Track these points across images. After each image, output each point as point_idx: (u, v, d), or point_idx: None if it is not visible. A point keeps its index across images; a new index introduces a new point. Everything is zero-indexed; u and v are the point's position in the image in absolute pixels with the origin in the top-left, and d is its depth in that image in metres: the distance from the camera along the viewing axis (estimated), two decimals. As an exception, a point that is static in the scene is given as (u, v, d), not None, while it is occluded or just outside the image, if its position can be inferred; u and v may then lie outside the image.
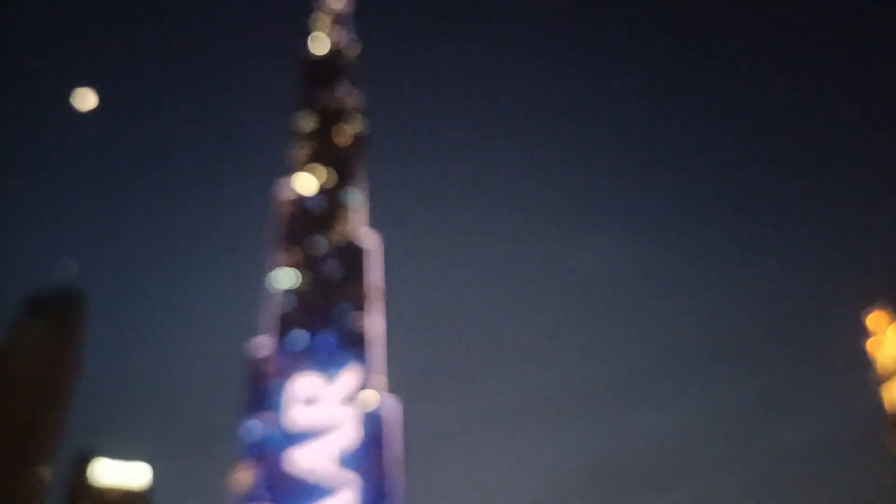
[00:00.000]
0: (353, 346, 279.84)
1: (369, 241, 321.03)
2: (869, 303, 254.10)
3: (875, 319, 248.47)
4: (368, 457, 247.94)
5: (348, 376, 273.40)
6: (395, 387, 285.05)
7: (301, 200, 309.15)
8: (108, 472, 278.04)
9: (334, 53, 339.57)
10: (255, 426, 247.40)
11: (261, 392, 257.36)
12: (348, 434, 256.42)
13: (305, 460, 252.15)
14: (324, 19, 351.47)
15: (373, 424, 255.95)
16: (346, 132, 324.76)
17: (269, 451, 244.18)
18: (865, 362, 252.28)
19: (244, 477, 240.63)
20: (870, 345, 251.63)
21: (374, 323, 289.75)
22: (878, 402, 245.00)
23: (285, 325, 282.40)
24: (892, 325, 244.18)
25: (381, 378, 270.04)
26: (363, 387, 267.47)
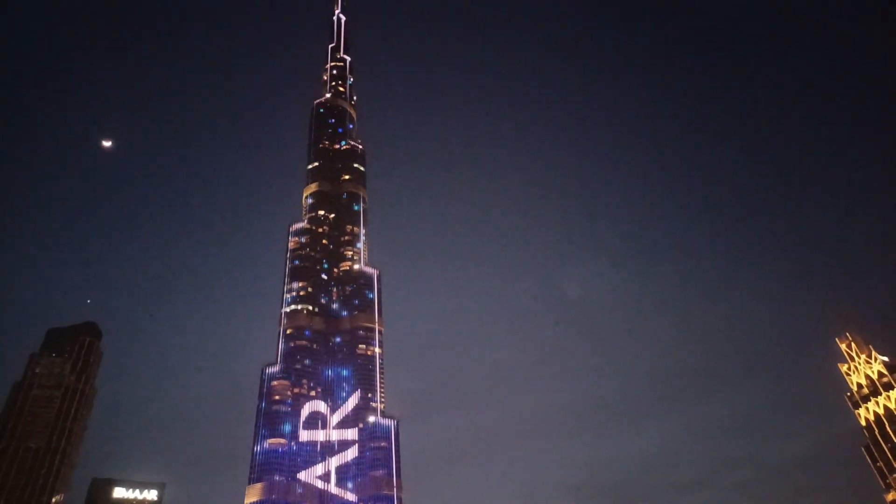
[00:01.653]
0: (358, 372, 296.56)
1: (371, 274, 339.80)
2: (842, 329, 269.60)
3: (847, 345, 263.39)
4: (371, 475, 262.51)
5: (352, 400, 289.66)
6: (394, 409, 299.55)
7: (309, 236, 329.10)
8: (122, 496, 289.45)
9: (339, 102, 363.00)
10: (265, 449, 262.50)
11: (271, 416, 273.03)
12: (353, 454, 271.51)
13: (313, 480, 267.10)
14: (330, 71, 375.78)
15: (375, 445, 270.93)
16: (351, 172, 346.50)
17: (278, 473, 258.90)
18: (843, 383, 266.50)
19: (255, 496, 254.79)
20: (844, 369, 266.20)
21: (376, 350, 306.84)
22: (855, 422, 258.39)
23: (294, 352, 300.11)
24: (863, 352, 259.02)
25: (382, 402, 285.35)
26: (366, 410, 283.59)
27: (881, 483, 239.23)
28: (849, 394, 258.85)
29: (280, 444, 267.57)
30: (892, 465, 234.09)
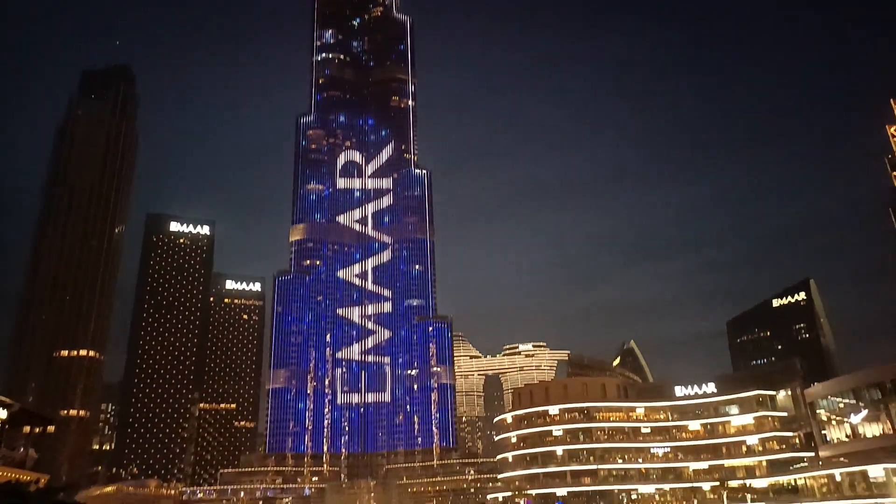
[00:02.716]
0: (391, 123, 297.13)
1: (404, 22, 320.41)
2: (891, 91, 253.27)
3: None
4: (404, 220, 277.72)
5: (386, 151, 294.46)
6: (428, 161, 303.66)
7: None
8: (177, 230, 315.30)
9: None
10: (305, 193, 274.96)
11: (308, 164, 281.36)
12: (388, 201, 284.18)
13: (352, 223, 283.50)
14: None
15: (408, 193, 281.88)
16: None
17: (319, 215, 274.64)
18: (884, 147, 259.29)
19: (298, 235, 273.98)
20: (892, 129, 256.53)
21: (409, 103, 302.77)
22: (885, 184, 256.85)
23: (326, 103, 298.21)
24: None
25: (416, 154, 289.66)
26: (399, 161, 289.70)
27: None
28: (890, 156, 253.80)
29: (318, 189, 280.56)
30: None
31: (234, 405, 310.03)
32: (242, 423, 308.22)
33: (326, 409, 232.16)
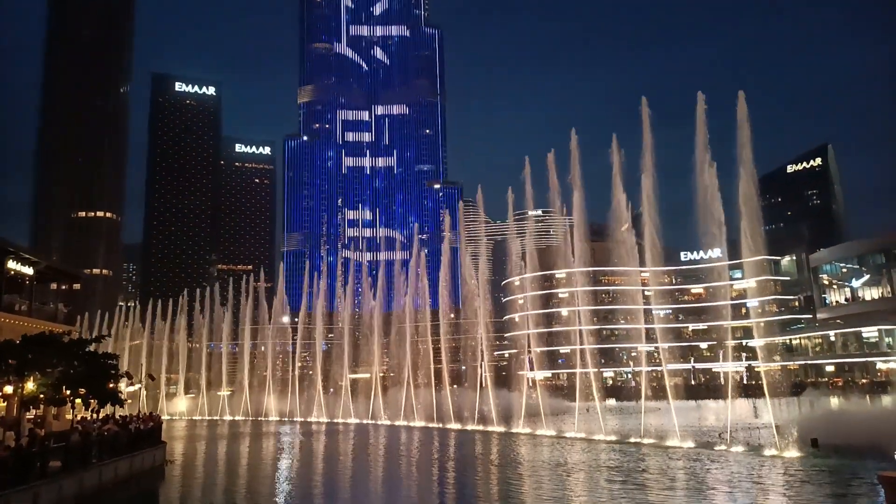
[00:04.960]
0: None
1: None
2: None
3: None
4: (414, 83, 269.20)
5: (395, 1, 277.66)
6: (440, 16, 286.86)
7: None
8: (183, 90, 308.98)
9: None
10: (313, 52, 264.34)
11: (314, 21, 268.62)
12: (397, 60, 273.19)
13: (360, 84, 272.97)
14: None
15: (419, 53, 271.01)
16: None
17: (327, 75, 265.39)
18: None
19: (307, 97, 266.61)
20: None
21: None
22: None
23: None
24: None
25: (426, 9, 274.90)
26: (409, 14, 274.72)
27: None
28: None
29: (326, 48, 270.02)
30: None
31: (250, 266, 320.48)
32: (259, 283, 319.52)
33: (339, 270, 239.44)
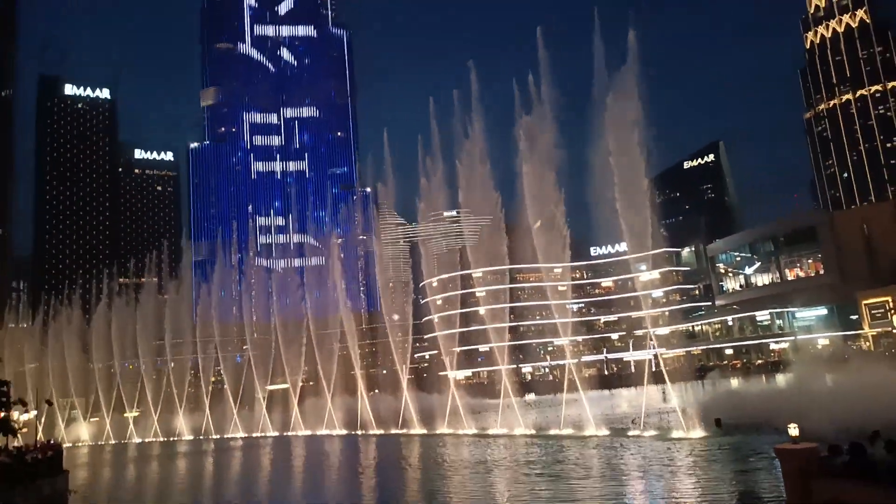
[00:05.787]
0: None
1: None
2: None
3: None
4: (323, 85, 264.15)
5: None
6: (349, 15, 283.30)
7: None
8: (73, 93, 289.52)
9: None
10: (215, 52, 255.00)
11: (216, 18, 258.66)
12: (305, 61, 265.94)
13: (267, 87, 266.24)
14: None
15: (327, 54, 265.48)
16: None
17: (232, 77, 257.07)
18: (800, 5, 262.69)
19: (210, 99, 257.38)
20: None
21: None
22: (801, 47, 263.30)
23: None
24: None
25: (333, 10, 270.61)
26: (317, 14, 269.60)
27: (804, 102, 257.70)
28: (804, 16, 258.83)
29: (229, 48, 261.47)
30: (820, 86, 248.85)
31: (155, 278, 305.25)
32: (166, 296, 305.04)
33: (252, 279, 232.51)
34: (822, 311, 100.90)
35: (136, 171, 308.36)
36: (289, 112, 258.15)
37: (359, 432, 74.60)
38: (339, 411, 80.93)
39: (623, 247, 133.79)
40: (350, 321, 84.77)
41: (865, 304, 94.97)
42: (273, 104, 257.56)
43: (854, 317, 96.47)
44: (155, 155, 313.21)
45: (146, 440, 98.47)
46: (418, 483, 37.01)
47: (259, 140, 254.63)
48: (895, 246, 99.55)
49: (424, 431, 66.32)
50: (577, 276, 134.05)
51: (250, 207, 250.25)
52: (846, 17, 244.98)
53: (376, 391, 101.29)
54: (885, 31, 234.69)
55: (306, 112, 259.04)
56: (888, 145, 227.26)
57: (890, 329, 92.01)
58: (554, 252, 61.58)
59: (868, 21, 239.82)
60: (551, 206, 59.76)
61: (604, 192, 52.15)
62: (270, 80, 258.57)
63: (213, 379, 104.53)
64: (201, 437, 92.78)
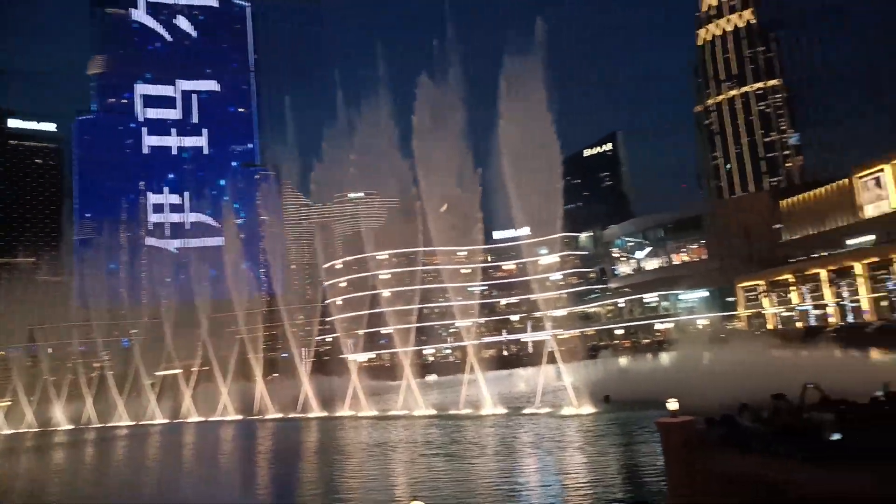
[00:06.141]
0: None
1: None
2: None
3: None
4: (225, 58, 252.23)
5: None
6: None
7: None
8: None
9: None
10: (105, 17, 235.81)
11: None
12: (203, 31, 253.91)
13: (162, 54, 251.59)
14: None
15: (229, 26, 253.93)
16: None
17: (123, 44, 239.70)
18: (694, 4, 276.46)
19: (98, 68, 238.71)
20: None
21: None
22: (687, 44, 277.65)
23: None
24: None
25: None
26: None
27: (695, 97, 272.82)
28: (698, 13, 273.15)
29: (121, 14, 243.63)
30: (709, 82, 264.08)
31: (32, 259, 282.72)
32: (45, 277, 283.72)
33: (143, 259, 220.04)
34: (704, 293, 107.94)
35: (13, 141, 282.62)
36: (186, 85, 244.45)
37: (257, 417, 72.55)
38: (236, 397, 78.33)
39: (525, 231, 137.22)
40: (244, 304, 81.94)
41: (741, 287, 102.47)
42: (169, 75, 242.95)
43: (731, 299, 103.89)
44: (34, 125, 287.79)
45: (19, 430, 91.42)
46: (317, 467, 36.36)
47: (153, 113, 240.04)
48: (770, 234, 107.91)
49: (325, 414, 65.42)
50: (481, 259, 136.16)
51: (142, 184, 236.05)
52: (734, 18, 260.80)
53: (275, 375, 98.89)
54: (768, 32, 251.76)
55: (205, 86, 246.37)
56: (766, 140, 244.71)
57: (760, 310, 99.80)
58: (457, 235, 62.04)
59: (754, 22, 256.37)
60: (458, 190, 60.06)
61: (507, 176, 52.98)
62: (167, 49, 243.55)
63: (97, 365, 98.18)
64: (82, 427, 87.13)
